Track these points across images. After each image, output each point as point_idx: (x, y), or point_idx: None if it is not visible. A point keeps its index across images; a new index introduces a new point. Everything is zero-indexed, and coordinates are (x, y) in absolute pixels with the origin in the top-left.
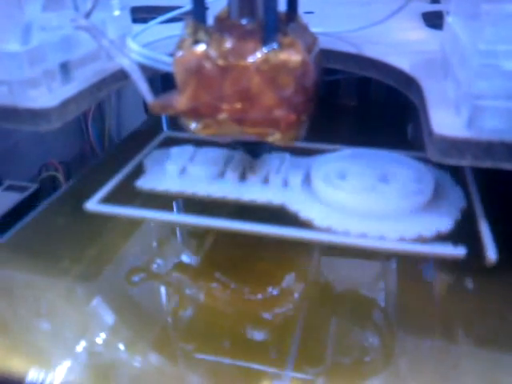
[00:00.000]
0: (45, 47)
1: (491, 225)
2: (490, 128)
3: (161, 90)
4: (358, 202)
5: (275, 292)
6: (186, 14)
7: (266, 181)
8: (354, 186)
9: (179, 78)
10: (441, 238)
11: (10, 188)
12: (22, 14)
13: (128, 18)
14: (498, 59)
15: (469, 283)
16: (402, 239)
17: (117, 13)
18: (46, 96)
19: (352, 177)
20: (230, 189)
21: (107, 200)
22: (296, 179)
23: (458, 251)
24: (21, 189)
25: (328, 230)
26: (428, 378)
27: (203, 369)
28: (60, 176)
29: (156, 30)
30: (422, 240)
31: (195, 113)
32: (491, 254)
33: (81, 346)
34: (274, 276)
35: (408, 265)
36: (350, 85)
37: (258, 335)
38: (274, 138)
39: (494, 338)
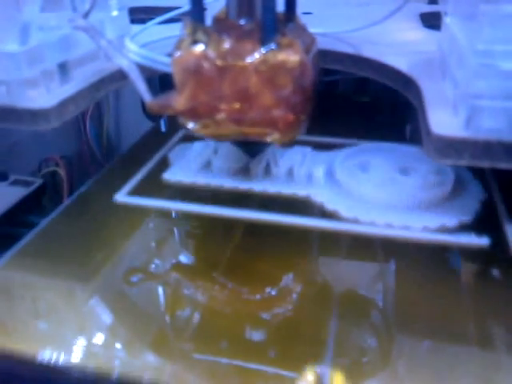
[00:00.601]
0: (43, 47)
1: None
2: (488, 128)
3: (159, 91)
4: (381, 194)
5: (274, 292)
6: (184, 14)
7: (290, 174)
8: (377, 178)
9: (177, 78)
10: (463, 228)
11: (15, 183)
12: (19, 14)
13: (126, 18)
14: (495, 59)
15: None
16: (426, 229)
17: (115, 13)
18: (44, 96)
19: (373, 170)
20: (255, 181)
21: (135, 192)
22: (319, 172)
23: (482, 241)
24: (26, 183)
25: (354, 221)
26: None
27: (201, 369)
28: (61, 171)
29: (154, 30)
30: (445, 230)
31: (193, 113)
32: None
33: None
34: (273, 276)
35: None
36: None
37: (257, 335)
38: (273, 138)
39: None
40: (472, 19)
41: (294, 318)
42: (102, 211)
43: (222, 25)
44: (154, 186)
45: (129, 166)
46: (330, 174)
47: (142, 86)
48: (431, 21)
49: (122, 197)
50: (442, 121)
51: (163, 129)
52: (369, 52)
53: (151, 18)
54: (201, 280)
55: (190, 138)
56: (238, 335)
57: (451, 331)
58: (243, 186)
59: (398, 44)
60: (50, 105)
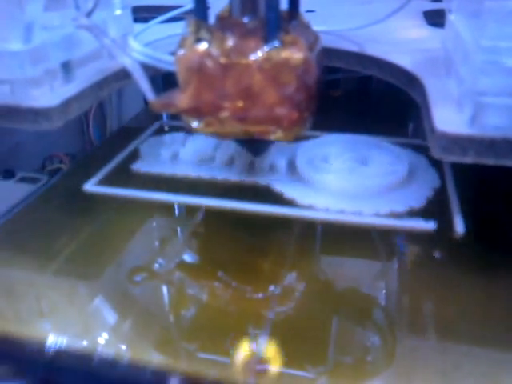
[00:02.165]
0: (46, 46)
1: (462, 201)
2: (493, 125)
3: (162, 89)
4: (338, 183)
5: (277, 291)
6: (188, 13)
7: (252, 164)
8: (336, 168)
9: (181, 76)
10: (413, 214)
11: (22, 180)
12: (23, 13)
13: (129, 17)
14: (500, 56)
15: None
16: (377, 214)
17: (118, 12)
18: (47, 95)
19: (334, 160)
20: (218, 171)
21: (105, 182)
22: (281, 163)
23: (429, 225)
24: (33, 180)
25: (309, 208)
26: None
27: (205, 368)
28: (66, 168)
29: (157, 29)
30: (394, 215)
31: (197, 111)
32: (459, 227)
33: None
34: (276, 275)
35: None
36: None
37: (260, 334)
38: (277, 135)
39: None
40: (477, 16)
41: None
42: (70, 201)
43: (226, 23)
44: (123, 176)
45: (101, 157)
46: (291, 165)
47: (145, 85)
48: (435, 18)
49: (90, 186)
50: (447, 118)
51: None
52: (373, 50)
53: (154, 17)
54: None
55: (162, 130)
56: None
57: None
58: (206, 175)
59: (401, 42)
60: (53, 104)
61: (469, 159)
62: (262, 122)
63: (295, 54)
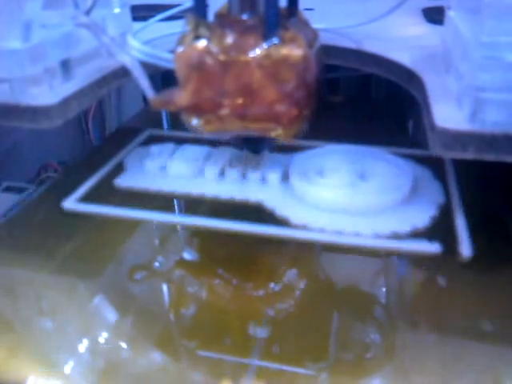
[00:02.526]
0: (45, 45)
1: (469, 220)
2: (493, 121)
3: (161, 88)
4: (335, 199)
5: (277, 288)
6: (187, 11)
7: (244, 177)
8: (332, 182)
9: (180, 73)
10: (417, 235)
11: (8, 189)
12: (22, 11)
13: (128, 15)
14: (500, 51)
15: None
16: (377, 236)
17: (117, 10)
18: (47, 93)
19: (330, 173)
20: (208, 186)
21: (85, 199)
22: (274, 176)
23: (433, 248)
24: (19, 190)
25: (303, 228)
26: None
27: (206, 366)
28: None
29: (156, 27)
30: (396, 236)
31: (197, 109)
32: (465, 250)
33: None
34: (276, 272)
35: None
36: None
37: (260, 332)
38: (276, 133)
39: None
40: (476, 12)
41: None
42: (49, 219)
43: (225, 20)
44: (105, 192)
45: (84, 170)
46: (285, 178)
47: (144, 83)
48: (433, 15)
49: (70, 204)
50: (447, 114)
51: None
52: (372, 47)
53: (153, 16)
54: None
55: (150, 141)
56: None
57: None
58: (195, 191)
59: (400, 39)
60: (52, 102)
61: (469, 155)
62: (262, 119)
63: (294, 51)
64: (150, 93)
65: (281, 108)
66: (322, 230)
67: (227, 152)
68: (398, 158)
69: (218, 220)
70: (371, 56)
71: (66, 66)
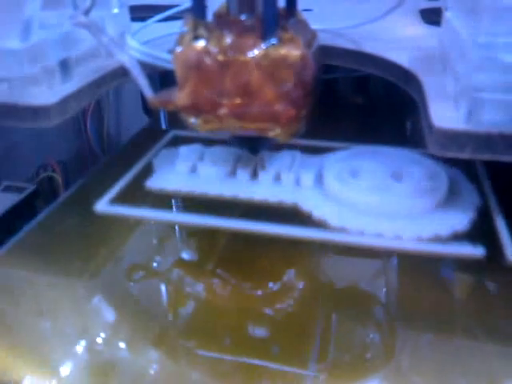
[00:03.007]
0: (44, 44)
1: (508, 222)
2: (489, 121)
3: (159, 88)
4: (372, 201)
5: (276, 288)
6: (185, 11)
7: (277, 179)
8: (367, 184)
9: (179, 73)
10: (458, 238)
11: (7, 189)
12: (21, 11)
13: (127, 15)
14: (496, 52)
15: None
16: (419, 239)
17: (115, 11)
18: (46, 93)
19: (365, 175)
20: (241, 188)
21: (117, 201)
22: (308, 178)
23: (477, 251)
24: (19, 189)
25: (342, 230)
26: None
27: (204, 366)
28: (57, 177)
29: (155, 28)
30: (438, 239)
31: (195, 108)
32: (510, 253)
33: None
34: (275, 272)
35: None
36: (352, 82)
37: (259, 332)
38: (275, 133)
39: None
40: (473, 13)
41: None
42: (81, 222)
43: (223, 20)
44: (137, 193)
45: (113, 171)
46: (319, 180)
47: (143, 82)
48: (431, 17)
49: (102, 206)
50: (444, 114)
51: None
52: (370, 48)
53: (152, 17)
54: (199, 277)
55: (177, 141)
56: (240, 331)
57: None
58: (228, 193)
59: (398, 40)
60: (51, 102)
61: (466, 155)
62: (260, 119)
63: (293, 51)
64: (148, 92)
65: (279, 108)
66: (361, 233)
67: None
68: (429, 159)
69: (256, 223)
70: (369, 56)
71: (64, 65)
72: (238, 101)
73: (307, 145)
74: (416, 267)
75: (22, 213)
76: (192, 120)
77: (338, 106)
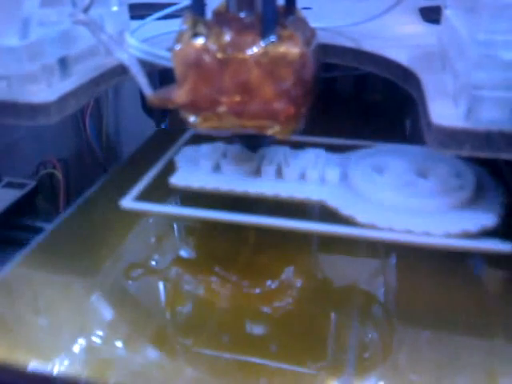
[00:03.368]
0: (43, 42)
1: None
2: (489, 118)
3: (159, 87)
4: (399, 198)
5: (274, 286)
6: (184, 9)
7: (302, 177)
8: (393, 181)
9: (178, 71)
10: (487, 234)
11: (8, 185)
12: (20, 9)
13: (126, 13)
14: (496, 50)
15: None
16: (448, 235)
17: (115, 8)
18: (45, 91)
19: (390, 172)
20: (266, 185)
21: (142, 197)
22: (334, 175)
23: (506, 247)
24: (20, 186)
25: (371, 227)
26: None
27: (202, 363)
28: (58, 173)
29: (154, 26)
30: (467, 235)
31: (194, 106)
32: None
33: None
34: (273, 270)
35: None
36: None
37: (257, 329)
38: (274, 130)
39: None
40: (472, 10)
41: (295, 312)
42: (108, 219)
43: (223, 18)
44: (160, 190)
45: (134, 169)
46: (344, 177)
47: (142, 80)
48: (430, 15)
49: (127, 203)
50: (443, 112)
51: (166, 129)
52: (369, 46)
53: (151, 15)
54: (201, 273)
55: (197, 139)
56: (238, 329)
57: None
58: (254, 190)
59: (397, 38)
60: (50, 99)
61: (465, 152)
62: (259, 117)
63: (292, 49)
64: (147, 90)
65: (278, 106)
66: (391, 229)
67: (281, 151)
68: (454, 157)
69: (287, 220)
70: (368, 54)
71: (63, 63)
72: (237, 98)
73: (329, 143)
74: (447, 263)
75: (22, 209)
76: (191, 118)
77: (360, 104)
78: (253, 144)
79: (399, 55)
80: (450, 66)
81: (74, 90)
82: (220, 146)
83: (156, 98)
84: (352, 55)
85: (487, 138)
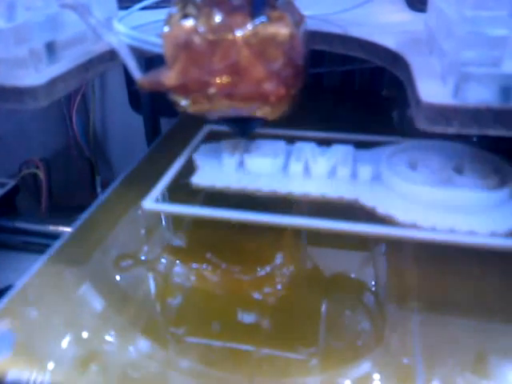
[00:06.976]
0: (30, 26)
1: None
2: (477, 95)
3: (146, 70)
4: (439, 195)
5: (264, 273)
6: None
7: (332, 174)
8: (431, 178)
9: (168, 53)
10: None
11: None
12: None
13: (113, 1)
14: (483, 26)
15: None
16: (494, 234)
17: None
18: (33, 75)
19: (425, 168)
20: (295, 183)
21: (164, 198)
22: (366, 172)
23: None
24: (1, 185)
25: (413, 226)
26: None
27: (194, 352)
28: (40, 173)
29: (141, 16)
30: None
31: (185, 88)
32: None
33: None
34: (263, 257)
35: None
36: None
37: (249, 317)
38: (264, 111)
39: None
40: None
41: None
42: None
43: None
44: (182, 191)
45: (151, 168)
46: (376, 174)
47: (131, 64)
48: (416, 5)
49: (149, 204)
50: (431, 90)
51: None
52: (356, 32)
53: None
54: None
55: (213, 137)
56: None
57: None
58: (282, 189)
59: (385, 25)
60: (38, 83)
61: (453, 129)
62: (250, 98)
63: (282, 30)
64: (137, 73)
65: (268, 86)
66: (433, 229)
67: (307, 147)
68: (487, 153)
69: (323, 220)
70: (356, 40)
71: (51, 48)
72: (227, 79)
73: (355, 139)
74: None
75: (1, 208)
76: (182, 102)
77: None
78: (242, 128)
79: (387, 41)
80: (438, 48)
81: (63, 75)
82: (240, 142)
83: (146, 80)
84: (339, 41)
85: (475, 115)
